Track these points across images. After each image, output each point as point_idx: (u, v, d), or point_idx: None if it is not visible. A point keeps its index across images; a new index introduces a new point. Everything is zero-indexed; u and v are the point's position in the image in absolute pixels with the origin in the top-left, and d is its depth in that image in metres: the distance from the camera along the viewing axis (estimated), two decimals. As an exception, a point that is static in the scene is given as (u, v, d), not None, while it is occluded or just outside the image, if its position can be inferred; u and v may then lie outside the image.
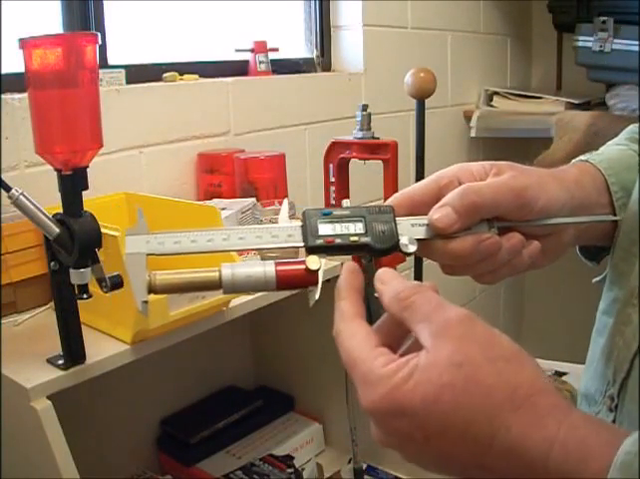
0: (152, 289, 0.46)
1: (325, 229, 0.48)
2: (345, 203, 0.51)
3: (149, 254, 0.47)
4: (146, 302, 0.46)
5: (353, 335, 0.43)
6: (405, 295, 0.43)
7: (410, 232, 0.49)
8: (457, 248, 0.49)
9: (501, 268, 0.52)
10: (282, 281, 0.47)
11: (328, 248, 0.48)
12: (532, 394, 0.38)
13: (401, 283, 0.44)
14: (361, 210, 0.50)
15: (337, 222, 0.49)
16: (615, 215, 0.58)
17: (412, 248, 0.49)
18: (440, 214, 0.49)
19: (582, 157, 0.62)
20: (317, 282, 0.47)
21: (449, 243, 0.49)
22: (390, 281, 0.45)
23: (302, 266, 0.47)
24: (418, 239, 0.49)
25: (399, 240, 0.49)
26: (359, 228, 0.49)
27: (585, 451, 0.37)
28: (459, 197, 0.49)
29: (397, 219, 0.50)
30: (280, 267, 0.47)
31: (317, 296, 0.47)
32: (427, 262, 1.04)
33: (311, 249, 0.48)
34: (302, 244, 0.48)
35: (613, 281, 0.63)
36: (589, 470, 0.36)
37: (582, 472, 0.36)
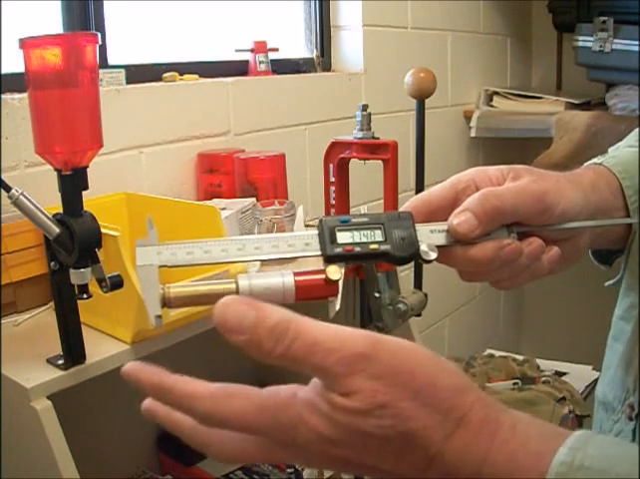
0: (165, 303, 0.44)
1: (344, 237, 0.47)
2: (362, 209, 0.51)
3: (161, 267, 0.45)
4: (159, 317, 0.44)
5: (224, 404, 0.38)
6: (280, 333, 0.37)
7: (429, 238, 0.48)
8: (477, 255, 0.48)
9: (521, 274, 0.51)
10: (301, 293, 0.45)
11: (347, 257, 0.46)
12: (463, 414, 0.37)
13: (263, 320, 0.37)
14: (380, 216, 0.48)
15: (355, 229, 0.47)
16: (629, 218, 0.58)
17: (432, 256, 0.47)
18: (460, 219, 0.48)
19: (596, 160, 0.62)
20: (337, 293, 0.45)
21: (469, 250, 0.48)
22: (248, 328, 0.37)
23: (322, 276, 0.45)
24: (437, 246, 0.48)
25: (419, 248, 0.47)
26: (378, 235, 0.47)
27: (513, 466, 0.36)
28: (479, 202, 0.48)
29: (416, 225, 0.48)
30: (299, 278, 0.45)
31: (337, 308, 0.45)
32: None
33: (329, 259, 0.46)
34: (320, 254, 0.46)
35: (630, 287, 0.63)
36: None
37: None
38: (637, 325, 0.60)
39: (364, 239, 0.47)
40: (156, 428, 1.43)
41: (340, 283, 0.46)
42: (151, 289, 0.44)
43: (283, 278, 0.45)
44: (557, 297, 2.55)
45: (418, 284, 1.22)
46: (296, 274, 0.45)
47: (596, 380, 1.85)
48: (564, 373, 1.93)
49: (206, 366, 1.52)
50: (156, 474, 1.36)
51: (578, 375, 1.90)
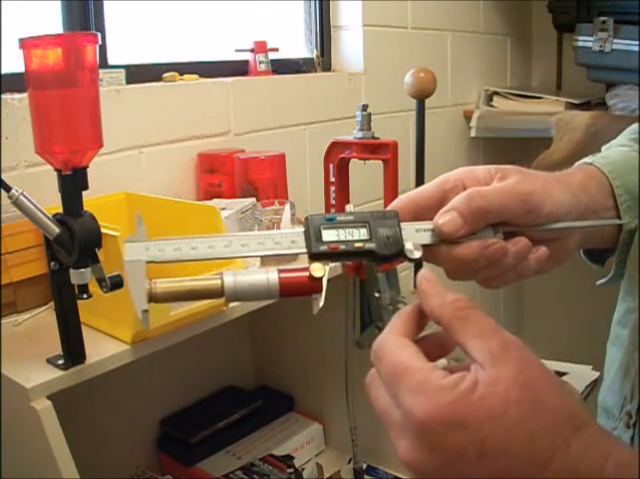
0: (152, 298, 0.45)
1: (329, 234, 0.47)
2: (348, 207, 0.50)
3: (148, 262, 0.45)
4: (146, 311, 0.44)
5: (403, 347, 0.42)
6: (462, 305, 0.42)
7: (414, 237, 0.48)
8: (462, 254, 0.48)
9: (507, 273, 0.51)
10: (285, 289, 0.46)
11: (332, 255, 0.47)
12: (586, 420, 0.39)
13: (449, 292, 0.43)
14: (365, 215, 0.49)
15: (341, 227, 0.48)
16: (620, 218, 0.58)
17: (417, 254, 0.48)
18: (445, 218, 0.48)
19: (587, 159, 0.62)
20: (321, 290, 0.46)
21: (454, 249, 0.49)
22: (436, 285, 0.44)
23: (306, 274, 0.46)
24: (422, 245, 0.48)
25: (404, 246, 0.48)
26: (363, 233, 0.48)
27: (636, 464, 0.37)
28: (465, 201, 0.49)
29: (401, 224, 0.49)
30: (283, 275, 0.46)
31: (321, 304, 0.46)
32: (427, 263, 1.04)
33: (315, 256, 0.47)
34: (305, 251, 0.47)
35: (628, 292, 0.62)
36: None
37: None
38: (634, 331, 0.60)
39: (349, 238, 0.48)
40: (156, 428, 1.43)
41: (324, 281, 0.46)
42: (137, 285, 0.45)
43: (267, 275, 0.46)
44: (557, 297, 2.55)
45: (418, 284, 1.22)
46: (280, 272, 0.46)
47: (596, 381, 1.85)
48: (564, 373, 1.93)
49: (206, 366, 1.52)
50: (155, 474, 1.36)
51: (578, 375, 1.89)
